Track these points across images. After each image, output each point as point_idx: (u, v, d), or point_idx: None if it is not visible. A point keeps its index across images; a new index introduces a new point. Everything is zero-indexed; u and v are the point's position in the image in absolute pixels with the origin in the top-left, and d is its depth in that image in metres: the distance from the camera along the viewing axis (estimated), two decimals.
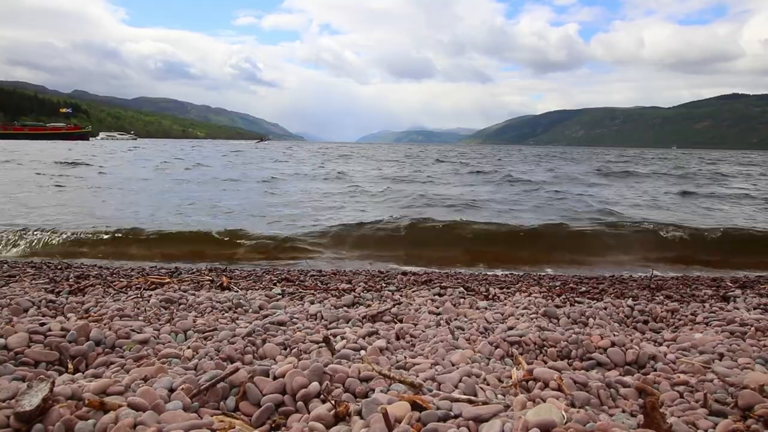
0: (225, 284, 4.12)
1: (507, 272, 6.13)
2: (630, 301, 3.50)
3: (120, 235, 7.59)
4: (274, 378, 1.78)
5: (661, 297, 4.07)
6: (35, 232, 7.52)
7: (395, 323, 3.06)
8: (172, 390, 1.68)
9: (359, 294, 3.88)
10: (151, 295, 3.48)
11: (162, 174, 19.78)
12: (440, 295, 3.91)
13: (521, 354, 2.45)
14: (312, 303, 3.55)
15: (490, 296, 3.96)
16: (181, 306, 3.24)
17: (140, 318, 2.87)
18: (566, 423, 1.42)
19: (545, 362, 2.38)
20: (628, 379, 2.08)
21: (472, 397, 1.70)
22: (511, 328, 2.77)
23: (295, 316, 3.06)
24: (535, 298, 3.76)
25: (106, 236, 7.51)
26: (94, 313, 2.93)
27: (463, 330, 2.85)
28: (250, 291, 3.97)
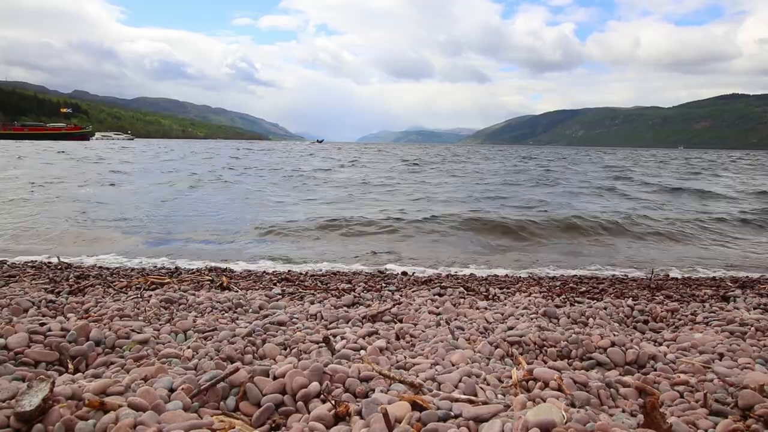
0: (225, 284, 4.12)
1: (507, 272, 6.14)
2: (630, 301, 3.51)
3: None
4: (274, 378, 1.78)
5: (661, 297, 4.07)
6: None
7: (395, 323, 3.06)
8: (172, 390, 1.68)
9: (359, 294, 3.88)
10: (151, 295, 3.48)
11: None
12: (440, 295, 3.91)
13: (521, 354, 2.45)
14: (312, 303, 3.55)
15: (490, 296, 3.96)
16: (181, 306, 3.24)
17: (140, 318, 2.87)
18: (566, 423, 1.42)
19: (545, 362, 2.38)
20: (628, 379, 2.08)
21: (472, 397, 1.70)
22: (511, 328, 2.78)
23: (295, 316, 3.06)
24: (535, 298, 3.76)
25: None
26: (94, 313, 2.93)
27: (463, 330, 2.85)
28: (249, 291, 3.97)
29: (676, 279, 5.58)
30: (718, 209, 12.61)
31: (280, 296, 3.80)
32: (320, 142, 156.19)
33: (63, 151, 38.53)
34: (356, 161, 34.76)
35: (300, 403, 1.66)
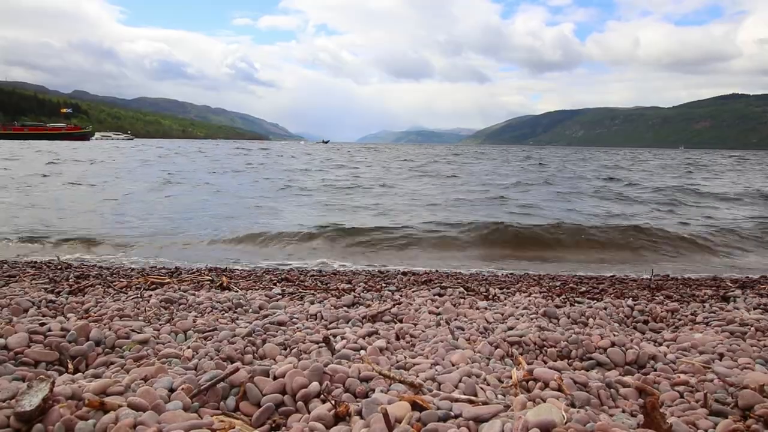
0: (225, 284, 4.12)
1: (507, 272, 6.14)
2: (630, 301, 3.50)
3: None
4: (274, 378, 1.78)
5: (661, 297, 4.07)
6: None
7: (395, 323, 3.06)
8: (172, 390, 1.68)
9: (359, 294, 3.88)
10: (151, 295, 3.48)
11: None
12: (440, 295, 3.91)
13: (521, 354, 2.45)
14: (312, 303, 3.55)
15: (490, 296, 3.96)
16: (181, 306, 3.24)
17: (140, 318, 2.87)
18: (566, 423, 1.42)
19: (545, 362, 2.38)
20: (628, 379, 2.08)
21: (473, 397, 1.70)
22: (511, 328, 2.77)
23: (295, 316, 3.06)
24: (535, 298, 3.76)
25: None
26: (94, 313, 2.93)
27: (463, 330, 2.85)
28: (249, 291, 3.97)
29: (676, 279, 5.58)
30: (731, 213, 12.17)
31: (280, 296, 3.80)
32: (326, 142, 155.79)
33: (52, 152, 37.69)
34: (353, 162, 34.24)
35: (300, 403, 1.66)
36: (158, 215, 10.36)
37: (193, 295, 3.59)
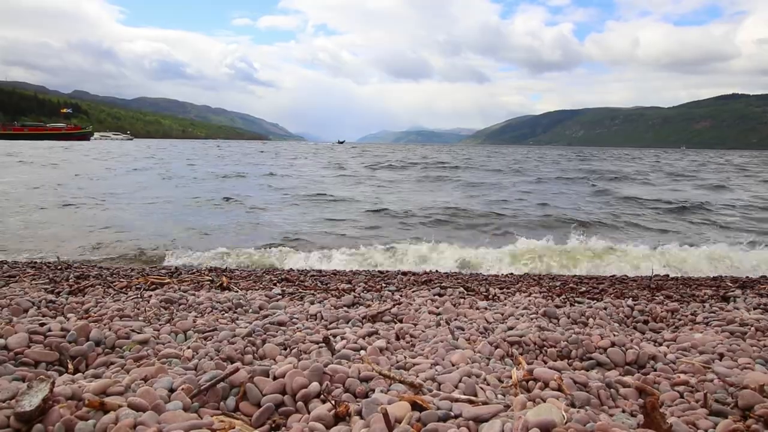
0: (225, 284, 4.12)
1: (507, 272, 6.14)
2: (630, 301, 3.50)
3: None
4: (274, 378, 1.78)
5: (661, 297, 4.07)
6: None
7: (395, 323, 3.06)
8: (172, 390, 1.68)
9: (359, 294, 3.88)
10: (151, 296, 3.48)
11: None
12: (440, 295, 3.91)
13: (521, 354, 2.45)
14: (312, 303, 3.55)
15: (490, 296, 3.96)
16: (181, 306, 3.24)
17: (140, 318, 2.87)
18: (566, 423, 1.42)
19: (545, 362, 2.38)
20: (628, 379, 2.08)
21: (472, 397, 1.70)
22: (511, 328, 2.78)
23: (295, 316, 3.06)
24: (535, 298, 3.76)
25: None
26: (94, 313, 2.93)
27: (463, 330, 2.85)
28: (250, 291, 3.97)
29: (676, 279, 5.58)
30: None
31: (280, 296, 3.80)
32: (341, 143, 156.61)
33: (20, 152, 34.06)
34: (347, 165, 31.84)
35: (300, 404, 1.66)
36: None
37: (193, 295, 3.59)
